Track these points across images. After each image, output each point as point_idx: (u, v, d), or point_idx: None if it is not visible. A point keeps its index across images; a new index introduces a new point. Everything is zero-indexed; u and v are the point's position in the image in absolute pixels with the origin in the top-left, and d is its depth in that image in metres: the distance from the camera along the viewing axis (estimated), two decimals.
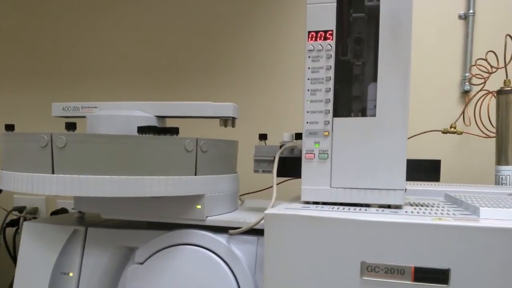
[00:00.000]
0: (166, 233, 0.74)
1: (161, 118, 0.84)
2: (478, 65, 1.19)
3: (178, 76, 1.60)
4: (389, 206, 0.66)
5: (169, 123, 0.88)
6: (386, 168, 0.65)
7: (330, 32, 0.68)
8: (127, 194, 0.65)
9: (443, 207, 0.69)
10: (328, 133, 0.67)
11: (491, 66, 1.18)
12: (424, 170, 0.71)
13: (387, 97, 0.65)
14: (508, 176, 1.07)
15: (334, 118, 0.67)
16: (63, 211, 1.43)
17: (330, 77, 0.67)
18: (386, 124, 0.65)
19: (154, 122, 0.81)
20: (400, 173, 0.65)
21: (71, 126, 0.74)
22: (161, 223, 0.76)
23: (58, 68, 1.72)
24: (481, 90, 1.21)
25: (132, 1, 1.65)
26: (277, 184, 1.05)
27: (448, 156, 1.31)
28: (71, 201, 0.98)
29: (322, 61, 0.68)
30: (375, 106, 0.66)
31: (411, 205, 0.70)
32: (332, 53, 0.67)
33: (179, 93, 1.59)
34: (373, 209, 0.64)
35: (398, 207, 0.66)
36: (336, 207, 0.66)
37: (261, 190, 1.12)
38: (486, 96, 1.22)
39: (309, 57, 0.69)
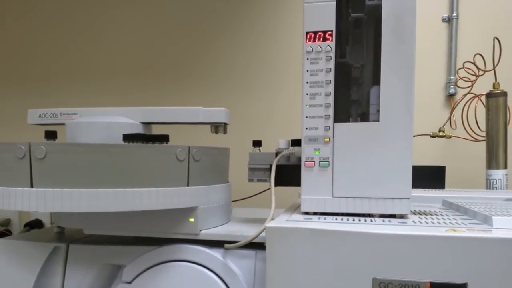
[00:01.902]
0: (156, 249, 0.69)
1: (147, 124, 0.78)
2: (465, 68, 1.18)
3: (162, 79, 1.56)
4: (392, 216, 0.63)
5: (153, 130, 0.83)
6: (391, 176, 0.62)
7: (329, 32, 0.64)
8: (114, 208, 0.60)
9: (447, 215, 0.67)
10: (329, 140, 0.64)
11: (479, 69, 1.17)
12: (428, 177, 0.68)
13: (391, 101, 0.62)
14: (499, 180, 1.06)
15: (335, 124, 0.64)
16: (37, 222, 1.35)
17: (330, 80, 0.64)
18: (390, 129, 0.62)
19: (140, 129, 0.76)
20: (406, 181, 0.61)
21: (51, 135, 0.68)
22: (150, 238, 0.71)
23: (33, 72, 1.65)
24: (468, 93, 1.20)
25: (114, 4, 1.59)
26: (265, 191, 1.02)
27: (436, 160, 1.30)
28: (47, 212, 0.92)
29: (322, 63, 0.64)
30: (378, 111, 0.62)
31: (415, 214, 0.67)
32: (332, 54, 0.64)
33: (162, 98, 1.55)
34: (379, 220, 0.60)
35: (403, 216, 0.63)
36: (339, 218, 0.62)
37: (249, 197, 1.08)
38: (473, 99, 1.21)
39: (307, 59, 0.65)
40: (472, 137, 1.20)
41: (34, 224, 1.33)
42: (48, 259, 0.72)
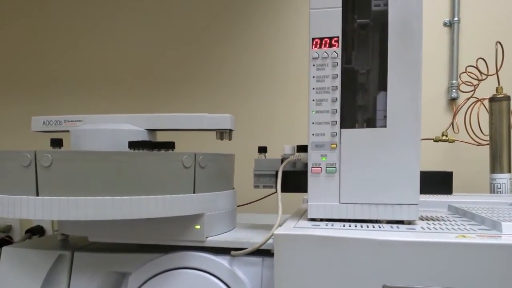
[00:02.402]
0: (162, 256, 0.68)
1: (152, 131, 0.78)
2: (468, 72, 1.18)
3: (163, 85, 1.56)
4: (400, 222, 0.63)
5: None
6: (398, 181, 0.61)
7: (335, 38, 0.64)
8: (120, 216, 0.60)
9: (455, 221, 0.66)
10: (336, 146, 0.63)
11: (481, 73, 1.17)
12: (435, 182, 0.68)
13: (398, 107, 0.62)
14: (503, 184, 1.06)
15: (342, 130, 0.63)
16: (39, 229, 1.35)
17: (336, 86, 0.64)
18: (397, 135, 0.62)
19: (145, 136, 0.75)
20: (414, 187, 0.61)
21: (57, 143, 0.68)
22: (156, 246, 0.70)
23: (33, 77, 1.64)
24: (471, 97, 1.20)
25: (115, 9, 1.59)
26: (268, 196, 1.01)
27: (439, 165, 1.30)
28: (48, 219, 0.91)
29: (328, 70, 0.64)
30: (385, 117, 0.62)
31: (422, 220, 0.67)
32: (338, 60, 0.64)
33: (163, 103, 1.55)
34: (387, 226, 0.60)
35: (411, 222, 0.63)
36: (346, 224, 0.62)
37: (253, 202, 1.07)
38: (476, 103, 1.21)
39: (313, 65, 0.65)
40: (475, 141, 1.20)
41: (36, 231, 1.33)
42: (53, 267, 0.72)
